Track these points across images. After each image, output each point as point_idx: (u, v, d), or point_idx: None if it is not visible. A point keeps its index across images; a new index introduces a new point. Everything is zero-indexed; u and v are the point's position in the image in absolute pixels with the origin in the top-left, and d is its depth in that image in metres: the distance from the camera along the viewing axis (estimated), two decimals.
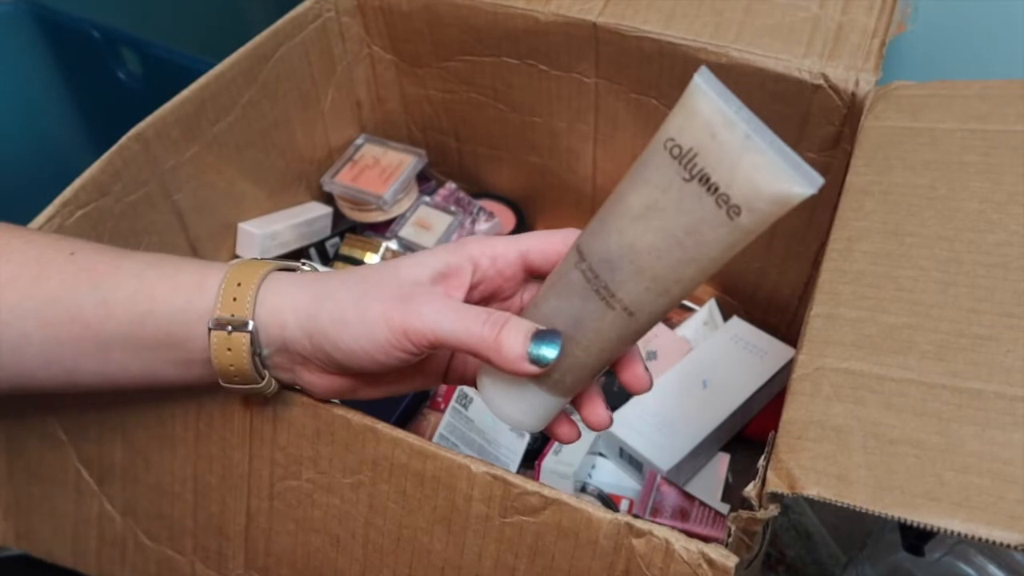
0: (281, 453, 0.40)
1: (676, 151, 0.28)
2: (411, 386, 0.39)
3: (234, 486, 0.41)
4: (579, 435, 0.36)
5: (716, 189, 0.28)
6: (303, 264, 0.39)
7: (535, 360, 0.32)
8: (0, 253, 0.36)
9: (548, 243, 0.35)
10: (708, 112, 0.28)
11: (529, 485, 0.34)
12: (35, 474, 0.46)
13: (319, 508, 0.40)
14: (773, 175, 0.27)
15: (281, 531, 0.41)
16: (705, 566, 0.31)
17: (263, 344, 0.35)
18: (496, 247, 0.36)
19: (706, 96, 0.28)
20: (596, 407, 0.35)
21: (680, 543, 0.32)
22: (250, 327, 0.35)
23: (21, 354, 0.36)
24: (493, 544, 0.36)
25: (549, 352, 0.32)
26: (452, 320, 0.33)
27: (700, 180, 0.28)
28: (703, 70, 0.28)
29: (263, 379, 0.36)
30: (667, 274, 0.30)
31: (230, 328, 0.35)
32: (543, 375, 0.33)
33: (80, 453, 0.44)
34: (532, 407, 0.34)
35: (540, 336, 0.32)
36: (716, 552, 0.31)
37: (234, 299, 0.35)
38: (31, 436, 0.45)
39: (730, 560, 0.31)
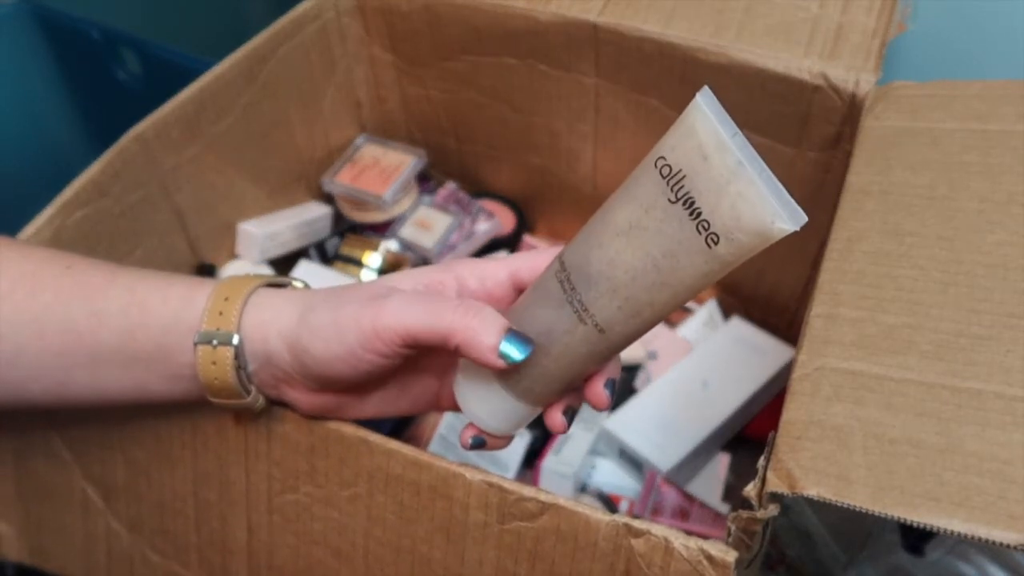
0: (277, 468, 0.40)
1: (666, 171, 0.28)
2: (398, 407, 0.38)
3: (233, 502, 0.41)
4: (566, 427, 0.36)
5: (699, 215, 0.27)
6: (294, 280, 0.39)
7: (503, 355, 0.31)
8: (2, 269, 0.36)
9: (539, 262, 0.35)
10: (703, 133, 0.27)
11: (525, 491, 0.34)
12: (43, 492, 0.46)
13: (318, 521, 0.40)
14: (757, 207, 0.26)
15: (282, 544, 0.41)
16: (705, 562, 0.31)
17: (248, 359, 0.35)
18: (485, 268, 0.36)
19: (704, 117, 0.27)
20: (555, 412, 0.35)
21: (679, 541, 0.32)
22: (235, 341, 0.35)
23: (15, 366, 0.36)
24: (493, 551, 0.36)
25: (518, 352, 0.31)
26: (420, 310, 0.32)
27: (684, 203, 0.27)
28: (705, 90, 0.28)
29: (249, 394, 0.36)
30: (640, 296, 0.29)
31: (215, 342, 0.35)
32: (512, 380, 0.33)
33: (85, 471, 0.45)
34: (503, 412, 0.34)
35: (513, 335, 0.32)
36: (715, 548, 0.31)
37: (220, 313, 0.35)
38: (37, 455, 0.45)
39: (729, 555, 0.31)
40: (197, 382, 0.36)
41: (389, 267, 0.68)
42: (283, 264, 0.67)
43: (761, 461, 0.32)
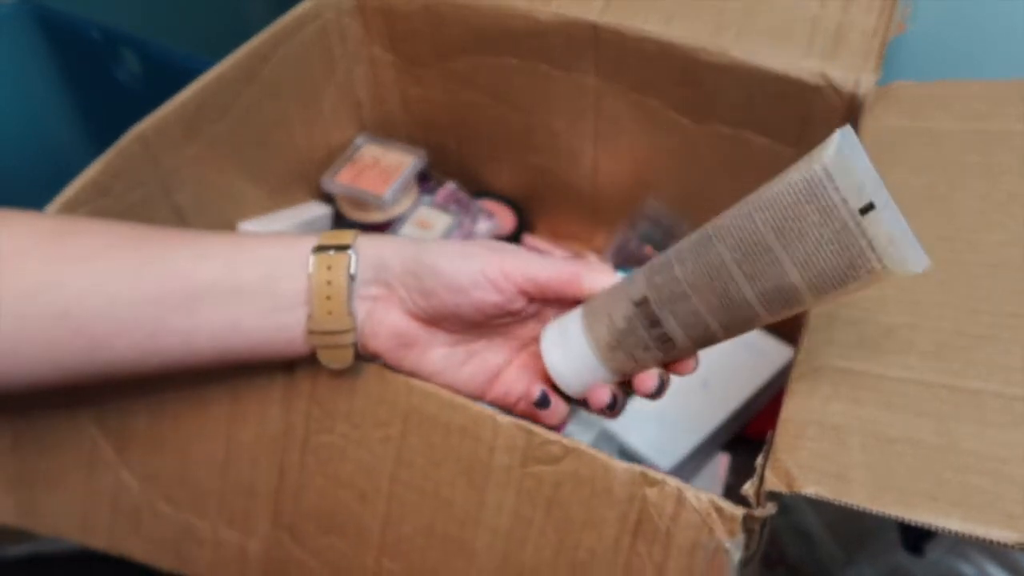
0: (317, 407, 0.40)
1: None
2: (452, 377, 0.39)
3: (270, 441, 0.42)
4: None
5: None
6: None
7: None
8: (99, 230, 0.38)
9: (557, 272, 0.37)
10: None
11: (551, 435, 0.36)
12: (44, 444, 0.45)
13: (350, 462, 0.40)
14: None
15: (310, 487, 0.41)
16: (714, 514, 0.32)
17: (360, 270, 0.37)
18: (504, 263, 0.37)
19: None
20: (648, 377, 0.36)
21: (691, 492, 0.33)
22: (352, 251, 0.37)
23: (105, 317, 0.36)
24: (512, 496, 0.37)
25: None
26: (541, 262, 0.37)
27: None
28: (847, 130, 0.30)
29: (351, 307, 0.37)
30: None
31: (332, 251, 0.37)
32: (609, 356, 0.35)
33: (99, 421, 0.44)
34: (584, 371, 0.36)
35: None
36: (726, 503, 0.32)
37: (336, 237, 0.38)
38: (42, 404, 0.44)
39: (738, 511, 0.32)
40: (296, 314, 0.37)
41: None
42: None
43: (759, 460, 0.32)
